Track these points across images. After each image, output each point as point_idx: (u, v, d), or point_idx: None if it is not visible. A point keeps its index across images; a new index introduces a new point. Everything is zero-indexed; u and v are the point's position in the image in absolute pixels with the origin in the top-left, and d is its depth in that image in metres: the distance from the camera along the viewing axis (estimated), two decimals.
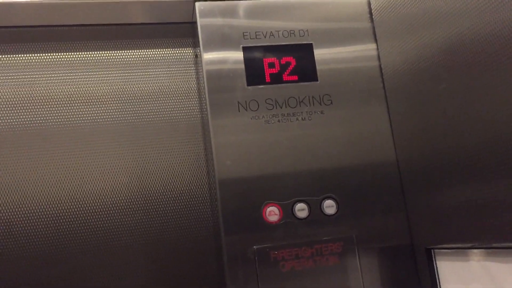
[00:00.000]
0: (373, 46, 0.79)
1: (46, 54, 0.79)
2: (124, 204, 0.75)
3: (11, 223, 0.72)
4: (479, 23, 0.57)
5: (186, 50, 0.84)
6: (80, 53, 0.80)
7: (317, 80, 0.76)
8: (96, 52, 0.81)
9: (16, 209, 0.72)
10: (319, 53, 0.77)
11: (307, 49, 0.77)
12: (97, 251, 0.73)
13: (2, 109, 0.75)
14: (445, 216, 0.67)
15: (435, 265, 0.70)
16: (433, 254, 0.70)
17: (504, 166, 0.55)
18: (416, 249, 0.73)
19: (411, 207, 0.74)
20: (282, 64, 0.76)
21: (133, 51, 0.82)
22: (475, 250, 0.63)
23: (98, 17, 0.81)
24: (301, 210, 0.71)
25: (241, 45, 0.76)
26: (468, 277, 0.64)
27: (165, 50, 0.83)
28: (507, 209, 0.56)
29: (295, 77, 0.76)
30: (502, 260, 0.59)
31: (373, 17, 0.80)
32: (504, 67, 0.54)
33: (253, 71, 0.75)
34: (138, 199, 0.76)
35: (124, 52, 0.82)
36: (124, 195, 0.76)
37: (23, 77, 0.77)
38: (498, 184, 0.57)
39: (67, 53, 0.80)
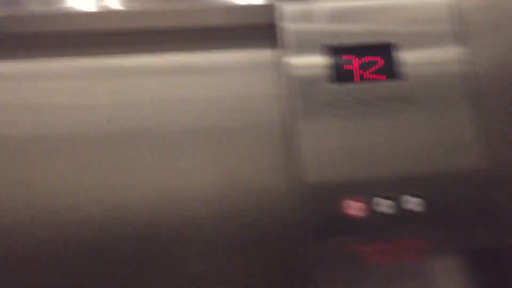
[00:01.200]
0: (461, 49, 0.78)
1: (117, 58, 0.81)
2: (201, 205, 0.75)
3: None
4: None
5: (265, 53, 0.83)
6: (156, 57, 0.81)
7: (403, 80, 0.77)
8: (170, 55, 0.82)
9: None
10: (405, 56, 0.77)
11: (392, 48, 0.78)
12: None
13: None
14: None
15: None
16: None
17: None
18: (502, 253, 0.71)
19: (502, 212, 0.72)
20: (366, 63, 0.77)
21: (208, 54, 0.82)
22: None
23: (170, 20, 0.82)
24: (385, 205, 0.71)
25: (325, 45, 0.77)
26: None
27: (242, 53, 0.83)
28: None
29: (382, 77, 0.76)
30: None
31: (461, 19, 0.79)
32: None
33: (338, 71, 0.76)
34: (215, 199, 0.75)
35: (199, 55, 0.82)
36: (204, 196, 0.75)
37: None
38: None
39: (145, 59, 0.81)
